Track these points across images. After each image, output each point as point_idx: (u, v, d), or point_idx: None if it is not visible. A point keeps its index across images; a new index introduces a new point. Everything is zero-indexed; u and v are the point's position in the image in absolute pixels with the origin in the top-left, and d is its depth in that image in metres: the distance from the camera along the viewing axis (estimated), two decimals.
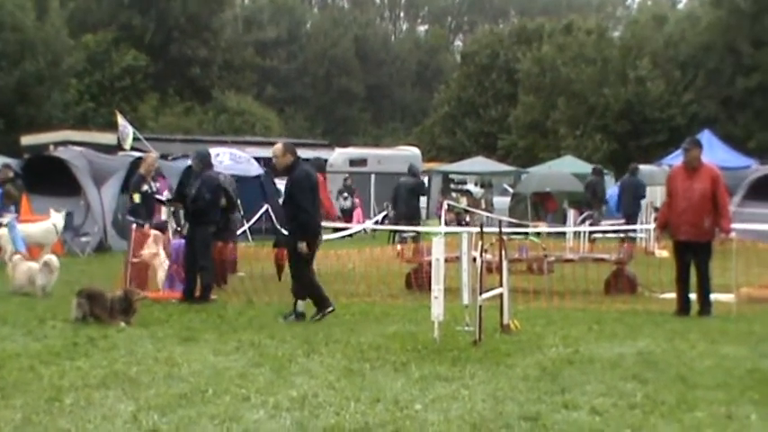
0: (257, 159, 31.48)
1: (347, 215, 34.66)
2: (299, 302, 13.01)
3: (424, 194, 23.94)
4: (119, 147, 30.02)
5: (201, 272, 14.84)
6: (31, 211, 23.67)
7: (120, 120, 28.50)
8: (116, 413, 7.53)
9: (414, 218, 23.10)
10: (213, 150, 26.75)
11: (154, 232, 16.34)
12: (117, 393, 8.21)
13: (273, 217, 23.79)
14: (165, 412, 7.55)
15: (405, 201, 22.96)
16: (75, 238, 23.23)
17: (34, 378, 8.82)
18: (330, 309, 13.01)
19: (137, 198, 16.43)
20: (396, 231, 22.01)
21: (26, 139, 45.11)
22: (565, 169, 39.65)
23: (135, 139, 26.85)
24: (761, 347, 10.75)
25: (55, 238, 20.83)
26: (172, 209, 17.38)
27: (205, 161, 15.37)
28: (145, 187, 16.87)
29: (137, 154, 26.69)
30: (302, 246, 12.73)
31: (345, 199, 35.79)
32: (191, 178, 15.30)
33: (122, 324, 12.11)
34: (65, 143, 35.73)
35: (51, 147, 33.52)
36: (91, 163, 25.50)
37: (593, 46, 58.57)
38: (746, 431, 7.16)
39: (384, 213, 32.24)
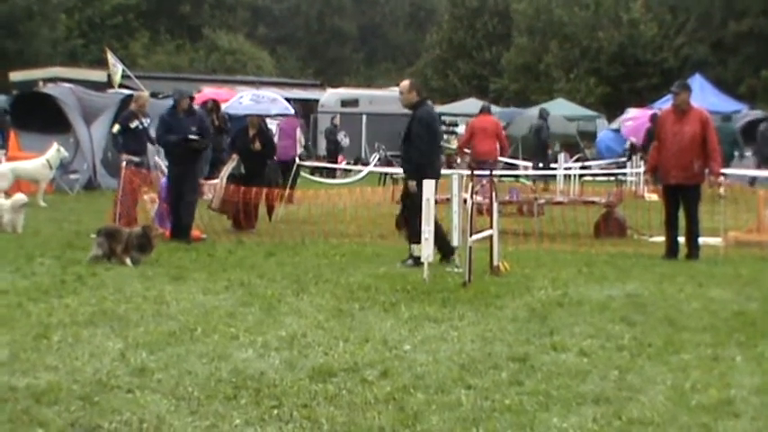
0: None
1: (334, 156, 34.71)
2: (414, 246, 12.30)
3: (547, 136, 25.09)
4: (109, 84, 29.83)
5: (187, 209, 14.80)
6: (19, 147, 23.55)
7: (110, 57, 28.24)
8: (104, 351, 7.53)
9: (541, 156, 23.62)
10: (239, 93, 26.58)
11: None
12: (105, 331, 8.20)
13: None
14: (153, 350, 7.55)
15: (533, 141, 23.89)
16: (64, 175, 23.14)
17: (22, 315, 8.81)
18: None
19: (116, 129, 16.57)
20: (386, 173, 22.00)
21: (15, 75, 44.69)
22: (557, 112, 39.52)
23: (124, 76, 26.63)
24: (747, 291, 10.79)
25: (50, 173, 20.77)
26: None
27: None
28: (135, 123, 16.78)
29: (127, 91, 26.47)
30: (412, 185, 12.35)
31: (346, 136, 37.11)
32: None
33: (129, 262, 12.06)
34: (54, 80, 35.36)
35: (41, 83, 33.14)
36: (80, 100, 25.28)
37: None
38: (732, 372, 7.19)
39: (376, 155, 32.09)
